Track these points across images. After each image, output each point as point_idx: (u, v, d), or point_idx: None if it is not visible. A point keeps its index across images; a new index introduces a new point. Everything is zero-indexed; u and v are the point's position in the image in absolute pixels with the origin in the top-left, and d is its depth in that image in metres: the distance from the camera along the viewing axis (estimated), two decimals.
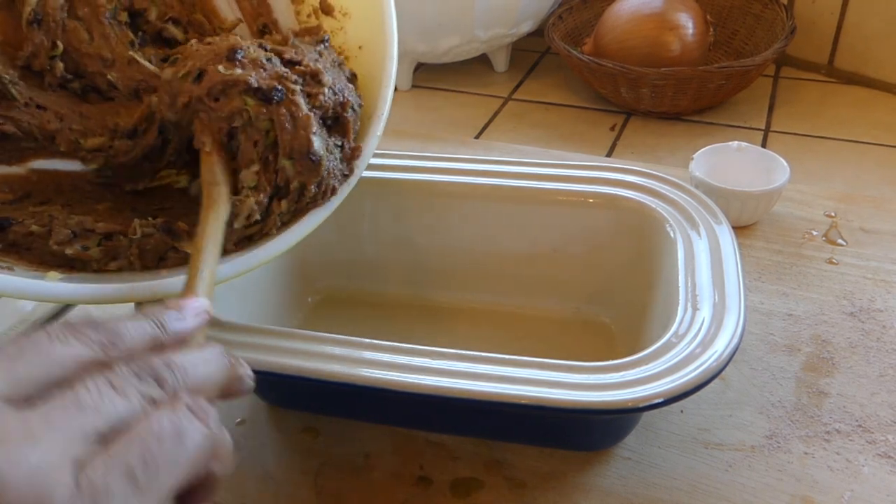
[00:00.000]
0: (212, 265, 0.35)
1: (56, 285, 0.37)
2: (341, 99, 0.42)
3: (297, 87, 0.40)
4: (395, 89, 0.97)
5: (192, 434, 0.23)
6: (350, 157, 0.43)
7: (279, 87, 0.39)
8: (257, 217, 0.40)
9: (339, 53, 0.48)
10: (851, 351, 0.49)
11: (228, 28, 0.49)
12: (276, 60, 0.41)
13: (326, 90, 0.41)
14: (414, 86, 0.96)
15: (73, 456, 0.21)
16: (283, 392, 0.46)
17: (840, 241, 0.59)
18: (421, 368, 0.37)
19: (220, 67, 0.39)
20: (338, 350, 0.38)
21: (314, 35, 0.47)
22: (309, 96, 0.41)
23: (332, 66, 0.44)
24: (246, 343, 0.38)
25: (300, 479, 0.43)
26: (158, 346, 0.27)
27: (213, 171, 0.40)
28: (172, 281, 0.38)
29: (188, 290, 0.33)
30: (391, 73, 0.45)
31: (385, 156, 0.53)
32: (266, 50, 0.42)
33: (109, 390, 0.23)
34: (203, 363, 0.27)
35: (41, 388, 0.23)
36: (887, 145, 0.79)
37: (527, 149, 0.75)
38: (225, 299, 0.44)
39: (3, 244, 0.40)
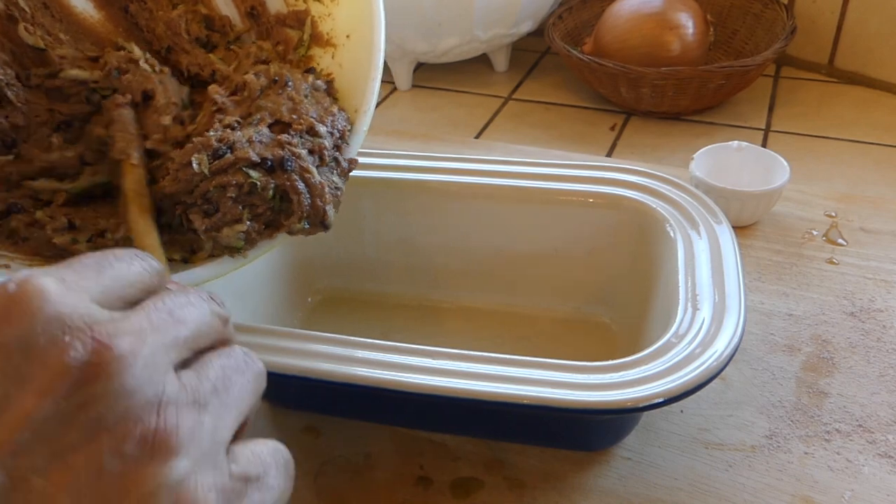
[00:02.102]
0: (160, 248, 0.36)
1: None
2: (337, 134, 0.41)
3: (303, 151, 0.39)
4: (395, 89, 0.96)
5: (253, 372, 0.26)
6: (347, 171, 0.41)
7: (289, 156, 0.38)
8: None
9: (327, 42, 0.47)
10: (851, 351, 0.49)
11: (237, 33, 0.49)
12: (264, 131, 0.39)
13: (326, 140, 0.40)
14: (414, 86, 0.96)
15: (172, 359, 0.23)
16: (284, 392, 0.46)
17: (840, 241, 0.59)
18: (421, 368, 0.37)
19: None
20: (338, 350, 0.38)
21: (301, 19, 0.47)
22: (311, 152, 0.39)
23: (311, 97, 0.42)
24: (246, 343, 0.38)
25: (300, 480, 0.43)
26: None
27: (142, 181, 0.39)
28: None
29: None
30: (378, 64, 0.44)
31: (385, 156, 0.53)
32: (250, 125, 0.40)
33: (189, 304, 0.24)
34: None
35: (122, 303, 0.24)
36: (887, 145, 0.79)
37: (527, 149, 0.75)
38: (225, 299, 0.44)
39: (1, 233, 0.40)
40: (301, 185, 0.38)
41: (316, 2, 0.47)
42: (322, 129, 0.40)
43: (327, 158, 0.40)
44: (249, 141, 0.38)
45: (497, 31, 0.90)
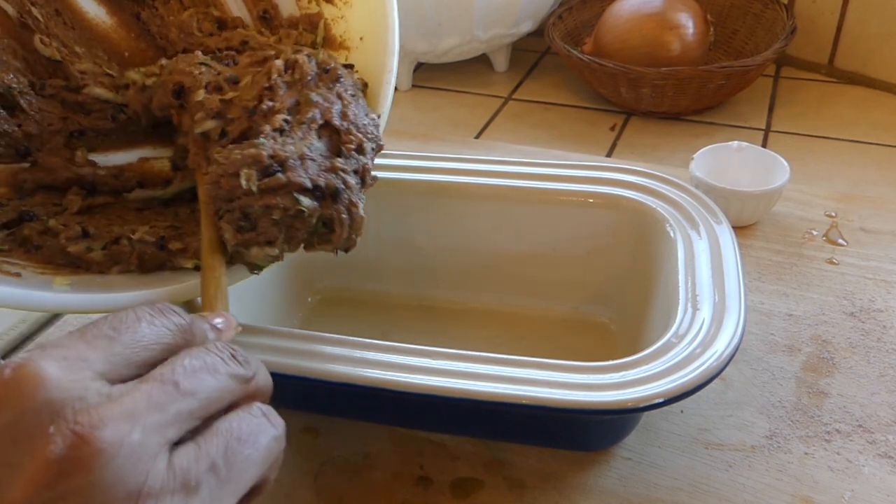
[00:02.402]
0: (224, 283, 0.35)
1: (62, 297, 0.36)
2: (374, 146, 0.40)
3: (353, 179, 0.37)
4: (395, 89, 0.97)
5: (267, 438, 0.25)
6: (370, 184, 0.40)
7: (342, 188, 0.36)
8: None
9: (340, 45, 0.47)
10: (851, 351, 0.49)
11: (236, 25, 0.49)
12: (316, 144, 0.37)
13: (370, 159, 0.39)
14: (414, 86, 0.96)
15: (168, 439, 0.22)
16: (283, 392, 0.46)
17: (840, 241, 0.59)
18: (421, 368, 0.37)
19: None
20: (338, 350, 0.38)
21: (314, 22, 0.46)
22: (355, 172, 0.38)
23: (357, 96, 0.41)
24: (246, 343, 0.38)
25: (300, 479, 0.43)
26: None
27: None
28: (175, 289, 0.38)
29: (209, 308, 0.33)
30: (393, 66, 0.44)
31: (385, 156, 0.53)
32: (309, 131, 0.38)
33: (204, 370, 0.24)
34: (262, 366, 0.28)
35: (134, 369, 0.24)
36: (887, 145, 0.79)
37: (527, 149, 0.75)
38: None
39: (13, 241, 0.40)
40: (346, 218, 0.37)
41: (328, 4, 0.47)
42: (368, 146, 0.39)
43: (368, 181, 0.39)
44: (301, 158, 0.36)
45: (497, 31, 0.90)
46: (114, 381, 0.23)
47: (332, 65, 0.41)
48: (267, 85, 0.40)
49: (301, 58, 0.41)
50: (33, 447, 0.20)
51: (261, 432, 0.25)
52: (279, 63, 0.41)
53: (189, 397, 0.23)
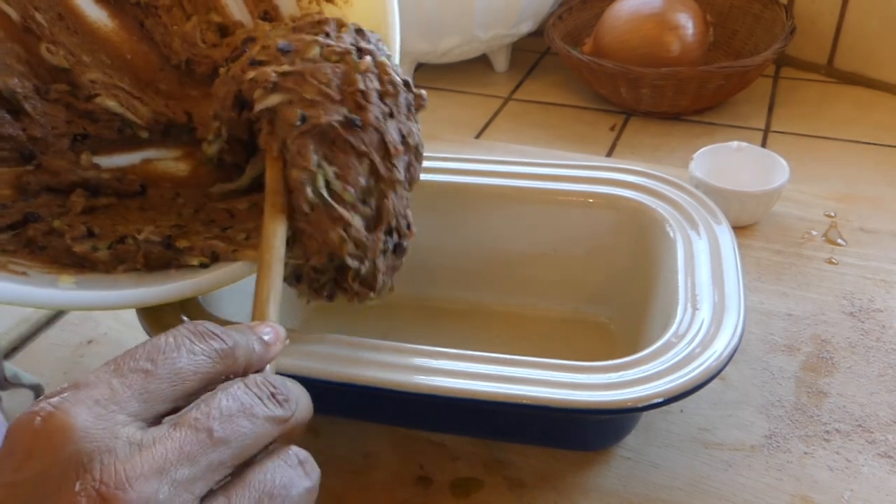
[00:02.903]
0: (279, 285, 0.33)
1: (68, 294, 0.36)
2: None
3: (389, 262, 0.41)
4: None
5: (300, 490, 0.24)
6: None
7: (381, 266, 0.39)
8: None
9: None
10: (851, 351, 0.49)
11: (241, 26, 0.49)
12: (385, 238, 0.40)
13: (411, 223, 0.41)
14: (414, 86, 0.96)
15: (197, 494, 0.22)
16: None
17: (840, 241, 0.59)
18: (421, 368, 0.37)
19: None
20: (338, 350, 0.38)
21: (322, 24, 0.47)
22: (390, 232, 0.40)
23: (416, 125, 0.42)
24: None
25: None
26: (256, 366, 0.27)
27: (279, 178, 0.37)
28: (181, 286, 0.38)
29: (259, 313, 0.32)
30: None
31: None
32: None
33: (241, 414, 0.23)
34: (303, 395, 0.27)
35: (170, 403, 0.23)
36: (887, 145, 0.79)
37: (527, 149, 0.75)
38: (225, 299, 0.45)
39: (18, 242, 0.40)
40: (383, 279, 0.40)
41: (329, 4, 0.47)
42: (410, 215, 0.41)
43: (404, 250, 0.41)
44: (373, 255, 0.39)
45: (497, 32, 0.91)
46: (148, 420, 0.22)
47: (394, 93, 0.42)
48: (359, 88, 0.39)
49: (369, 91, 0.40)
50: (58, 502, 0.20)
51: (294, 485, 0.24)
52: (374, 84, 0.41)
53: (222, 446, 0.22)
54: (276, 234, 0.35)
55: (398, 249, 0.41)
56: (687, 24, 0.83)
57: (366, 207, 0.38)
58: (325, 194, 0.37)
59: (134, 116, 0.46)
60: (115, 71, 0.47)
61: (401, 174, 0.40)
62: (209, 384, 0.24)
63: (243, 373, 0.26)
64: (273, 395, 0.25)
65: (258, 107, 0.38)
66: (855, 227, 0.60)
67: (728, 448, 0.43)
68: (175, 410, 0.23)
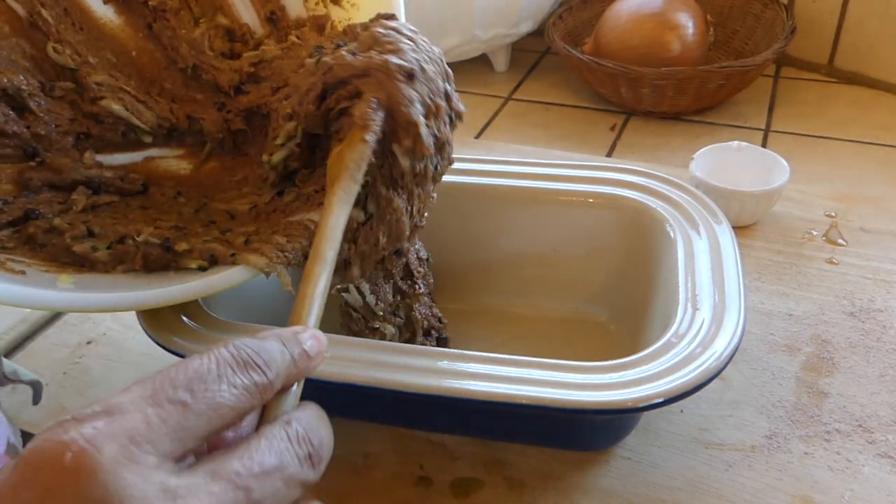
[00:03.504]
0: (327, 281, 0.32)
1: (66, 295, 0.36)
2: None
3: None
4: None
5: None
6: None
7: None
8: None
9: None
10: (851, 351, 0.49)
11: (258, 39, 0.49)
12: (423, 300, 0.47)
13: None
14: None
15: None
16: None
17: (840, 241, 0.59)
18: (421, 368, 0.37)
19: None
20: (337, 350, 0.38)
21: (321, 24, 0.47)
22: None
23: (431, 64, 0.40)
24: None
25: None
26: (290, 382, 0.26)
27: (360, 160, 0.36)
28: (179, 289, 0.38)
29: (298, 316, 0.30)
30: None
31: None
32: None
33: (276, 475, 0.23)
34: (330, 440, 0.27)
35: (203, 441, 0.22)
36: (887, 145, 0.79)
37: (527, 149, 0.75)
38: (225, 299, 0.44)
39: (18, 239, 0.40)
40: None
41: (336, 6, 0.47)
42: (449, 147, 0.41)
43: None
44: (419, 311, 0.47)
45: (497, 31, 0.90)
46: (179, 459, 0.21)
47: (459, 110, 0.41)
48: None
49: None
50: None
51: None
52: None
53: (248, 493, 0.21)
54: (338, 225, 0.34)
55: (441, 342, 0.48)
56: (687, 23, 0.83)
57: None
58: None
59: (138, 121, 0.46)
60: (121, 72, 0.47)
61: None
62: (243, 417, 0.23)
63: (280, 389, 0.25)
64: (310, 455, 0.24)
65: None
66: (855, 227, 0.60)
67: (728, 448, 0.43)
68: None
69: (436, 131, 0.38)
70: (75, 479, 0.19)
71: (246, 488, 0.21)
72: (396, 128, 0.37)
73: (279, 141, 0.42)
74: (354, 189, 0.35)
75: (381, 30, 0.39)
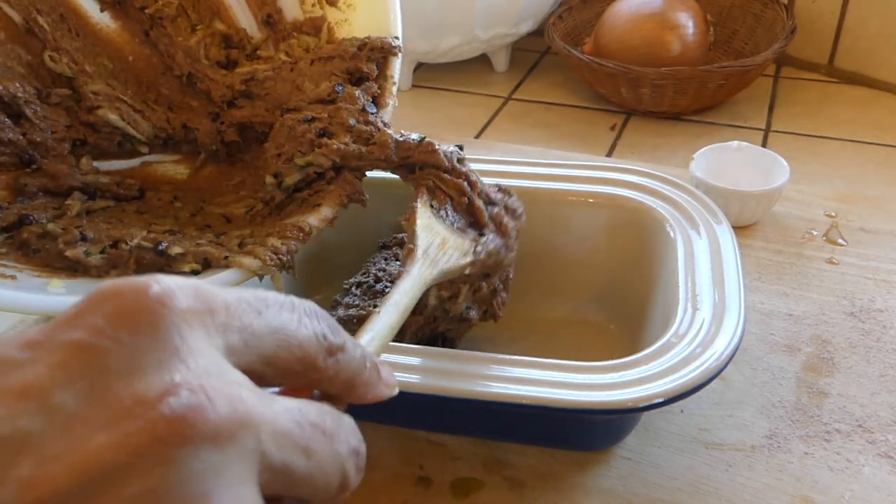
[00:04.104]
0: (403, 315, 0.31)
1: (56, 299, 0.36)
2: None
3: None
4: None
5: None
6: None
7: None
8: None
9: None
10: (851, 351, 0.49)
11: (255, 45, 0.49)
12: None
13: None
14: (414, 86, 0.96)
15: (260, 484, 0.19)
16: None
17: (840, 241, 0.59)
18: (420, 368, 0.37)
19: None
20: None
21: (317, 26, 0.47)
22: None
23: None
24: None
25: None
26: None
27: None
28: None
29: (361, 331, 0.29)
30: (397, 69, 0.45)
31: None
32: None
33: (350, 457, 0.22)
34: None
35: (259, 366, 0.20)
36: (887, 145, 0.79)
37: (527, 149, 0.75)
38: None
39: (11, 245, 0.39)
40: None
41: (332, 7, 0.47)
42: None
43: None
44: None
45: (497, 31, 0.90)
46: (256, 378, 0.19)
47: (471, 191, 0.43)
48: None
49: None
50: (147, 392, 0.16)
51: None
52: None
53: (315, 458, 0.20)
54: (423, 229, 0.37)
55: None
56: (687, 23, 0.83)
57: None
58: None
59: (135, 131, 0.46)
60: (118, 79, 0.47)
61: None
62: (303, 371, 0.21)
63: (336, 392, 0.23)
64: (358, 468, 0.22)
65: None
66: (855, 226, 0.60)
67: (728, 448, 0.43)
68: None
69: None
70: (158, 307, 0.18)
71: (331, 435, 0.20)
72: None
73: (300, 162, 0.41)
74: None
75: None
